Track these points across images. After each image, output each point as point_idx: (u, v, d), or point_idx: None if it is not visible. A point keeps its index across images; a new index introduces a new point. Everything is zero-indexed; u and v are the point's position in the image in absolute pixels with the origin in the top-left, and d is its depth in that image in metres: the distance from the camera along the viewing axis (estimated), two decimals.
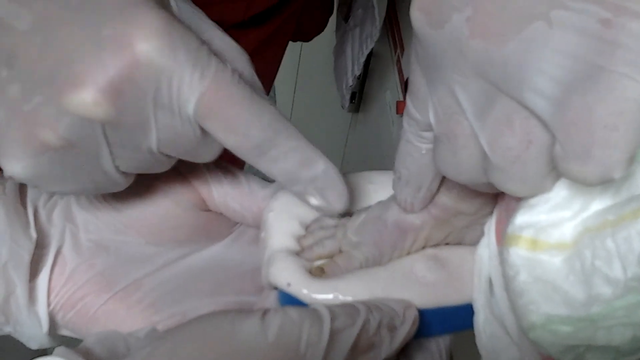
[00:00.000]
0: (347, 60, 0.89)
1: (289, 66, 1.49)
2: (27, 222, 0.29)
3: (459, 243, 0.30)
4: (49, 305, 0.29)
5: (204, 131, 0.25)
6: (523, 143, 0.20)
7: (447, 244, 0.30)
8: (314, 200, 0.28)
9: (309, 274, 0.28)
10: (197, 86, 0.24)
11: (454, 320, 0.29)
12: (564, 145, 0.19)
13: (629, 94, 0.17)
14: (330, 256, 0.29)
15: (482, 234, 0.29)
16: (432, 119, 0.23)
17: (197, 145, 0.26)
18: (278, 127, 0.26)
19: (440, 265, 0.29)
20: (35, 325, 0.29)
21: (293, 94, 1.59)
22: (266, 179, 0.33)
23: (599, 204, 0.22)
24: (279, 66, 0.70)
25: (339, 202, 0.29)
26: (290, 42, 0.71)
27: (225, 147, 0.27)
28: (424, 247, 0.30)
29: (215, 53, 0.25)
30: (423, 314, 0.28)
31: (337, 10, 0.93)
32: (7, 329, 0.30)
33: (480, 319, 0.27)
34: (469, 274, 0.29)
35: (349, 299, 0.27)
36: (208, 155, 0.27)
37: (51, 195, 0.31)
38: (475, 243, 0.29)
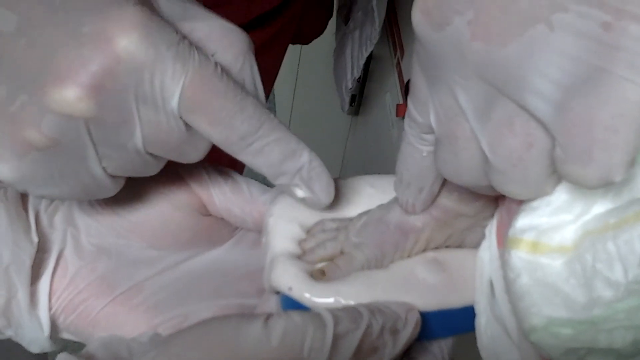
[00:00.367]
0: (346, 62, 0.90)
1: (288, 69, 1.49)
2: (29, 226, 0.29)
3: (460, 245, 0.30)
4: (50, 308, 0.29)
5: (188, 127, 0.26)
6: (524, 145, 0.20)
7: (448, 246, 0.30)
8: (300, 192, 0.29)
9: (310, 277, 0.28)
10: (179, 80, 0.24)
11: (456, 323, 0.29)
12: (565, 148, 0.19)
13: (630, 97, 0.17)
14: (332, 258, 0.29)
15: (483, 236, 0.29)
16: (433, 121, 0.23)
17: (182, 142, 0.26)
18: (261, 118, 0.26)
19: (441, 268, 0.29)
20: (37, 329, 0.29)
21: (293, 96, 1.59)
22: (266, 184, 0.33)
23: (600, 207, 0.22)
24: (279, 69, 0.70)
25: (324, 193, 0.29)
26: (289, 45, 0.71)
27: (211, 145, 0.27)
28: (425, 250, 0.30)
29: (205, 44, 0.25)
30: (425, 316, 0.28)
31: (337, 12, 0.93)
32: (9, 333, 0.30)
33: (482, 321, 0.27)
34: (470, 276, 0.29)
35: (350, 302, 0.27)
36: (194, 153, 0.27)
37: (52, 199, 0.31)
38: (476, 245, 0.29)
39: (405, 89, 0.80)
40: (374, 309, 0.26)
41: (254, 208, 0.32)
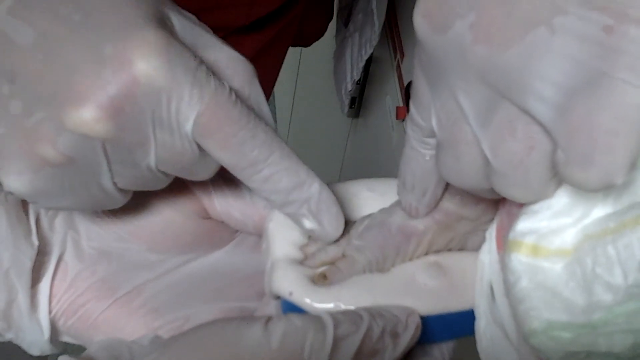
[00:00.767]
0: (346, 65, 0.90)
1: (288, 71, 1.49)
2: (29, 230, 0.29)
3: (462, 248, 0.30)
4: (50, 311, 0.29)
5: (201, 149, 0.26)
6: (525, 149, 0.20)
7: (450, 249, 0.30)
8: (307, 223, 0.29)
9: (310, 282, 0.28)
10: (195, 105, 0.24)
11: (457, 327, 0.29)
12: (566, 151, 0.19)
13: (631, 100, 0.17)
14: (334, 262, 0.29)
15: (484, 239, 0.29)
16: (434, 125, 0.23)
17: (194, 163, 0.26)
18: (272, 146, 0.27)
19: (442, 271, 0.29)
20: (37, 332, 0.29)
21: (293, 99, 1.60)
22: None
23: (600, 210, 0.22)
24: (279, 71, 0.70)
25: (333, 226, 0.29)
26: (289, 47, 0.71)
27: (220, 165, 0.27)
28: (427, 253, 0.30)
29: (214, 71, 0.25)
30: (425, 320, 0.28)
31: (337, 15, 0.93)
32: (9, 336, 0.30)
33: (482, 324, 0.27)
34: (471, 279, 0.29)
35: (350, 307, 0.27)
36: (204, 173, 0.27)
37: (59, 210, 0.31)
38: (478, 248, 0.29)
39: (405, 91, 0.80)
40: (375, 313, 0.26)
41: (254, 212, 0.32)
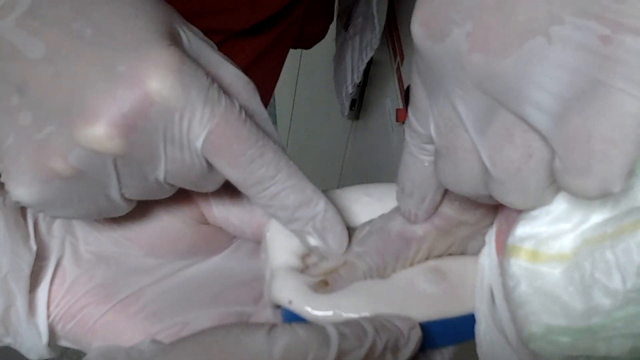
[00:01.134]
0: (347, 68, 0.90)
1: (289, 74, 1.49)
2: (27, 234, 0.29)
3: (462, 253, 0.30)
4: (48, 316, 0.29)
5: (209, 164, 0.26)
6: (523, 156, 0.20)
7: (450, 254, 0.30)
8: (312, 241, 0.29)
9: (310, 290, 0.28)
10: (207, 123, 0.24)
11: (458, 332, 0.29)
12: (564, 160, 0.19)
13: (628, 109, 0.17)
14: (335, 270, 0.29)
15: (484, 243, 0.29)
16: (432, 132, 0.23)
17: (202, 177, 0.27)
18: (280, 164, 0.27)
19: (441, 277, 0.29)
20: (35, 337, 0.29)
21: (293, 101, 1.60)
22: None
23: (598, 216, 0.22)
24: (279, 73, 0.70)
25: (337, 244, 0.29)
26: (290, 50, 0.71)
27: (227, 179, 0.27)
28: (427, 258, 0.30)
29: (224, 89, 0.26)
30: (425, 326, 0.27)
31: (337, 18, 0.93)
32: (7, 340, 0.29)
33: (482, 327, 0.27)
34: (472, 284, 0.29)
35: (350, 315, 0.27)
36: (211, 186, 0.28)
37: (65, 219, 0.31)
38: (478, 253, 0.29)
39: (405, 94, 0.80)
40: (379, 325, 0.26)
41: (252, 219, 0.32)
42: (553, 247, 0.23)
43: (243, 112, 0.26)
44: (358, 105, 1.09)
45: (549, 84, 0.18)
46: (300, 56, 1.43)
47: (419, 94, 0.24)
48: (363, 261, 0.29)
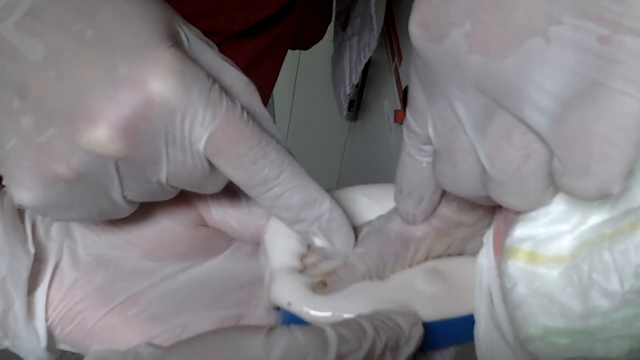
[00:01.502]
0: (345, 69, 0.90)
1: (287, 74, 1.49)
2: (26, 237, 0.29)
3: (461, 253, 0.30)
4: (47, 319, 0.29)
5: (211, 166, 0.26)
6: (522, 157, 0.20)
7: (449, 255, 0.30)
8: (318, 241, 0.29)
9: (309, 291, 0.28)
10: (208, 125, 0.24)
11: (458, 332, 0.29)
12: (562, 160, 0.19)
13: (627, 110, 0.17)
14: (334, 271, 0.29)
15: (482, 244, 0.29)
16: (431, 133, 0.23)
17: (204, 179, 0.27)
18: (284, 165, 0.27)
19: (440, 277, 0.29)
20: (34, 340, 0.29)
21: (291, 102, 1.60)
22: None
23: (596, 217, 0.22)
24: (278, 74, 0.70)
25: (343, 245, 0.29)
26: (288, 51, 0.71)
27: (228, 180, 0.27)
28: (426, 259, 0.30)
29: (224, 89, 0.26)
30: (426, 327, 0.27)
31: (335, 19, 0.93)
32: (6, 344, 0.29)
33: (481, 328, 0.27)
34: (471, 284, 0.29)
35: (350, 315, 0.27)
36: (213, 187, 0.28)
37: (66, 221, 0.31)
38: (476, 253, 0.29)
39: (404, 95, 0.80)
40: (379, 325, 0.26)
41: (251, 221, 0.32)
42: (551, 249, 0.23)
43: (245, 113, 0.26)
44: (356, 106, 1.09)
45: (547, 85, 0.18)
46: (299, 57, 1.43)
47: (417, 94, 0.24)
48: (362, 262, 0.29)
